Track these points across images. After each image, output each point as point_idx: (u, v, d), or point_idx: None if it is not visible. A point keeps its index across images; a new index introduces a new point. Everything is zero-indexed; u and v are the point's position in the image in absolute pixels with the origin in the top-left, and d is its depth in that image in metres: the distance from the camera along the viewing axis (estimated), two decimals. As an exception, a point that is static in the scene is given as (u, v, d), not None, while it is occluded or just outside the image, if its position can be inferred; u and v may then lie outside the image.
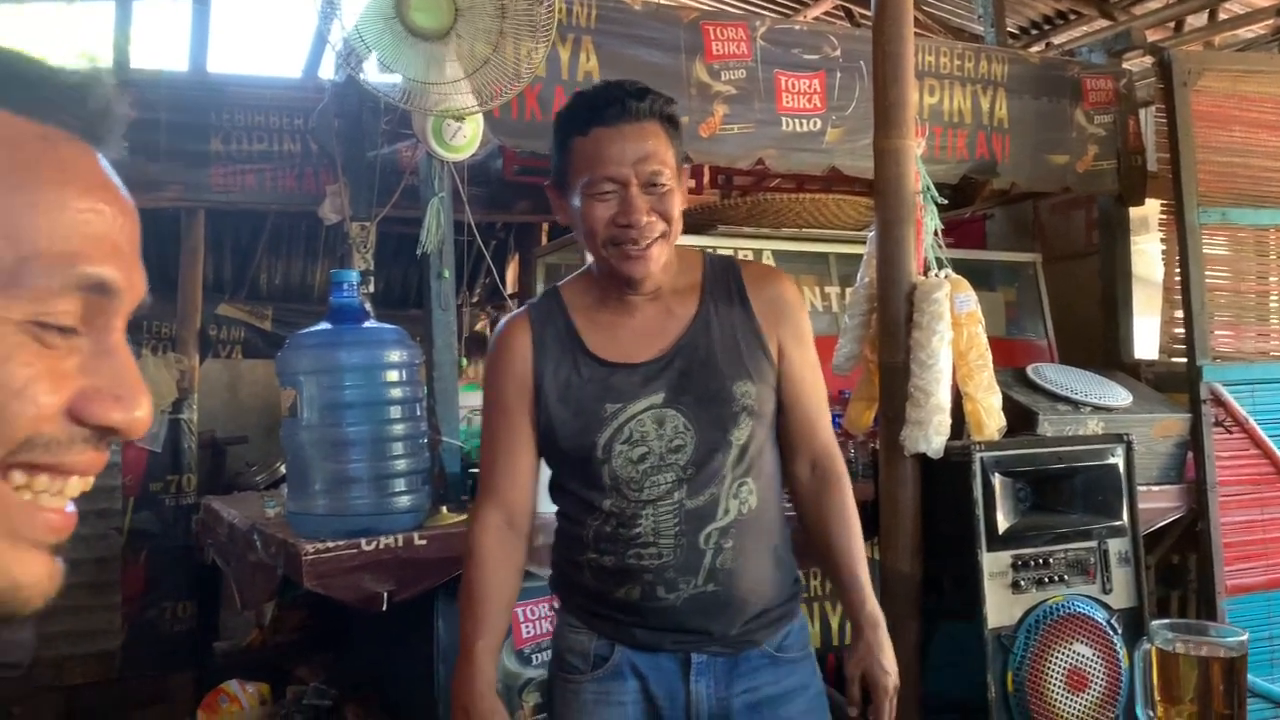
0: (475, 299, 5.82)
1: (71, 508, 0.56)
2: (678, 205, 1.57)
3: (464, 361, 4.55)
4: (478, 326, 6.40)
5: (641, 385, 1.58)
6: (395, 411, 2.48)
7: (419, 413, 2.60)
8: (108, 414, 0.54)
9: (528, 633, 2.69)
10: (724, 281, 1.66)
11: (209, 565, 3.21)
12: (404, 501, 2.46)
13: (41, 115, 0.53)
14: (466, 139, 2.77)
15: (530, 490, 1.68)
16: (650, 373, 1.59)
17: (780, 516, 1.69)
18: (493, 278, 5.13)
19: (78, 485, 0.56)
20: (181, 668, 3.81)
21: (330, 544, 2.30)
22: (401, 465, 2.47)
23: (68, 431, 0.53)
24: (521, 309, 1.70)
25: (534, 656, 2.73)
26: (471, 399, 3.57)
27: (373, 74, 2.70)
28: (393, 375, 2.48)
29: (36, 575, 0.54)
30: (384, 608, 2.32)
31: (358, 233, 3.58)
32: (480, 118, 2.78)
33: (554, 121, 1.62)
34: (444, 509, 2.62)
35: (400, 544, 2.37)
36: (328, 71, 3.76)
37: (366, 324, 2.53)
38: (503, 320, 1.73)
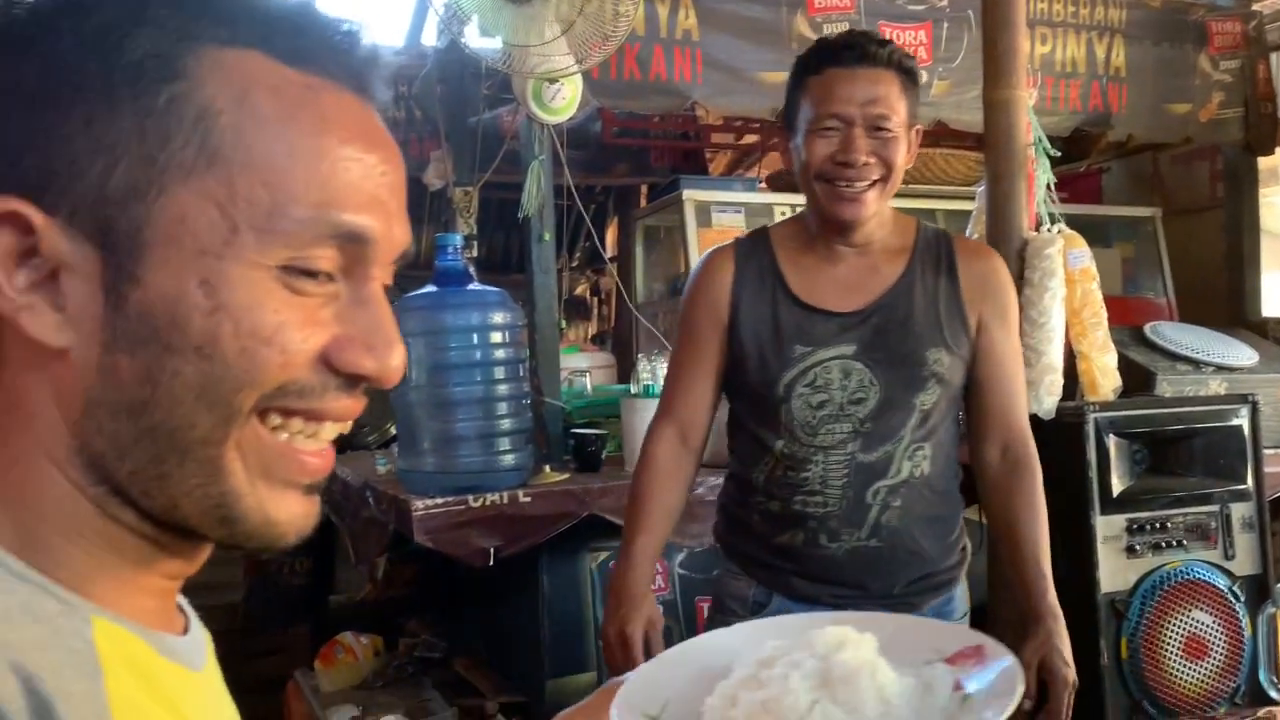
0: (575, 263, 5.86)
1: (329, 449, 0.58)
2: (900, 155, 1.59)
3: (564, 324, 4.60)
4: (577, 290, 6.45)
5: (835, 334, 1.61)
6: (499, 372, 2.52)
7: (522, 374, 2.64)
8: (360, 362, 0.54)
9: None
10: (935, 250, 1.68)
11: (325, 521, 3.32)
12: (509, 460, 2.51)
13: (306, 64, 0.53)
14: (565, 101, 2.78)
15: (706, 414, 1.72)
16: (846, 324, 1.61)
17: (953, 486, 1.70)
18: (592, 241, 5.15)
19: (333, 429, 0.57)
20: (299, 620, 3.97)
21: (439, 500, 2.36)
22: (506, 425, 2.52)
23: (321, 379, 0.54)
24: (729, 242, 1.74)
25: (637, 614, 2.76)
26: (571, 361, 3.62)
27: (474, 39, 2.72)
28: (496, 337, 2.52)
29: (290, 514, 0.56)
30: (490, 563, 2.37)
31: (461, 198, 3.64)
32: (579, 79, 2.78)
33: (793, 65, 1.67)
34: (547, 468, 2.66)
35: (506, 501, 2.42)
36: (430, 38, 3.80)
37: (470, 286, 2.56)
38: (708, 250, 1.77)
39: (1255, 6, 3.95)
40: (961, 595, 1.72)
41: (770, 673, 0.74)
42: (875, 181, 1.57)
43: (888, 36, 3.18)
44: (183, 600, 0.61)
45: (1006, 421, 1.71)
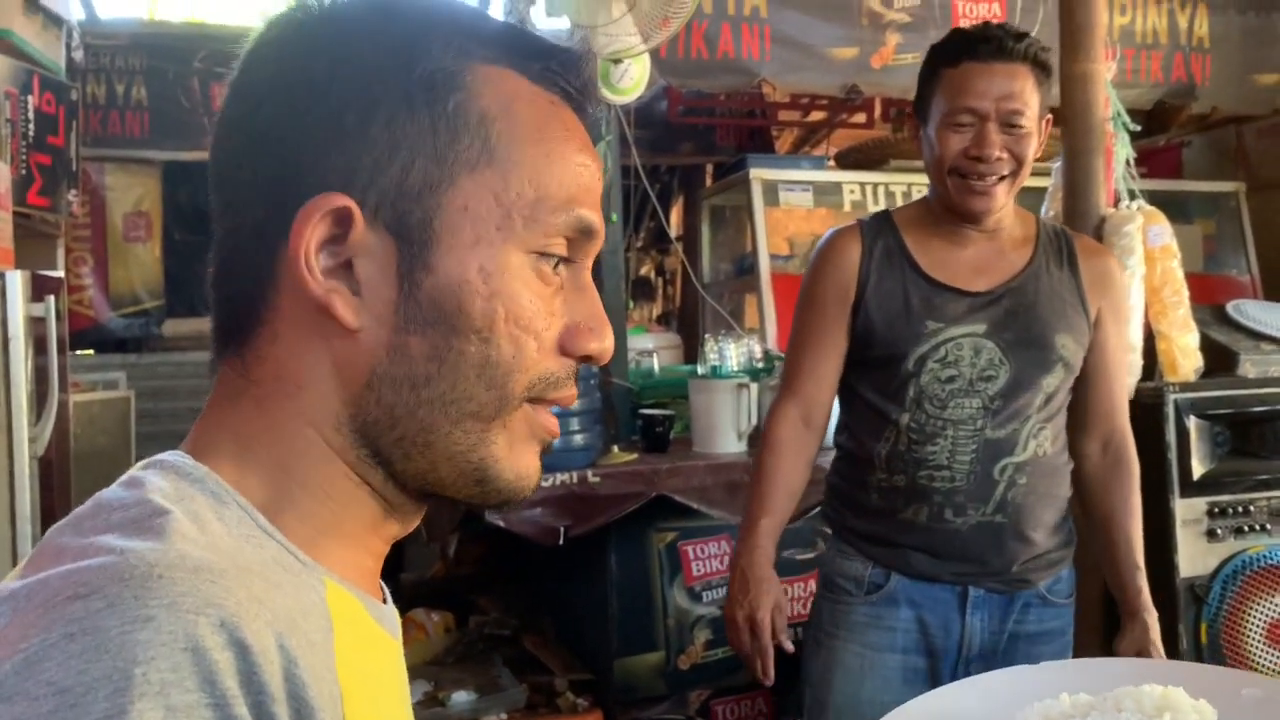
0: (640, 243, 5.86)
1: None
2: (1031, 151, 1.61)
3: (631, 305, 4.61)
4: (642, 270, 6.45)
5: (966, 312, 1.63)
6: (568, 353, 2.54)
7: (591, 354, 2.65)
8: (587, 344, 0.61)
9: (698, 570, 2.73)
10: (1056, 243, 1.71)
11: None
12: (578, 440, 2.53)
13: (549, 84, 0.61)
14: (634, 81, 2.77)
15: (830, 392, 1.73)
16: (977, 304, 1.63)
17: (1068, 468, 1.72)
18: (657, 221, 5.14)
19: None
20: (371, 595, 4.05)
21: (510, 480, 2.38)
22: (576, 405, 2.53)
23: (563, 366, 0.61)
24: (852, 223, 1.76)
25: (704, 594, 2.77)
26: (638, 341, 3.62)
27: (541, 19, 2.73)
28: (565, 317, 2.53)
29: (533, 468, 0.63)
30: (560, 542, 2.40)
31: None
32: (646, 59, 2.77)
33: (927, 53, 1.69)
34: (615, 448, 2.68)
35: (575, 481, 2.45)
36: (497, 11, 3.81)
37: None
38: (831, 230, 1.78)
39: (1347, -29, 3.79)
40: (1069, 575, 1.72)
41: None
42: (1005, 176, 1.59)
43: (960, 10, 3.15)
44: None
45: (1111, 417, 1.73)
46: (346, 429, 0.58)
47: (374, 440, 0.58)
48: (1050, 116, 1.68)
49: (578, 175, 0.61)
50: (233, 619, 0.46)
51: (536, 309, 0.59)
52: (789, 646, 1.63)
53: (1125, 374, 1.76)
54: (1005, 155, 1.57)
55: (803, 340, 1.72)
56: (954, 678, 1.65)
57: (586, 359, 0.62)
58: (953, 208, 1.64)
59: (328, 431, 0.58)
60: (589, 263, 0.63)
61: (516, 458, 0.61)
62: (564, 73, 0.62)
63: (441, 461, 0.59)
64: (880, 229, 1.70)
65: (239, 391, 0.59)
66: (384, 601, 0.64)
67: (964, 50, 1.59)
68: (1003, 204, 1.61)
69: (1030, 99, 1.58)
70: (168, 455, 0.57)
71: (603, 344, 0.62)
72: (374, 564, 0.63)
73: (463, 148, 0.57)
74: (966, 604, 1.64)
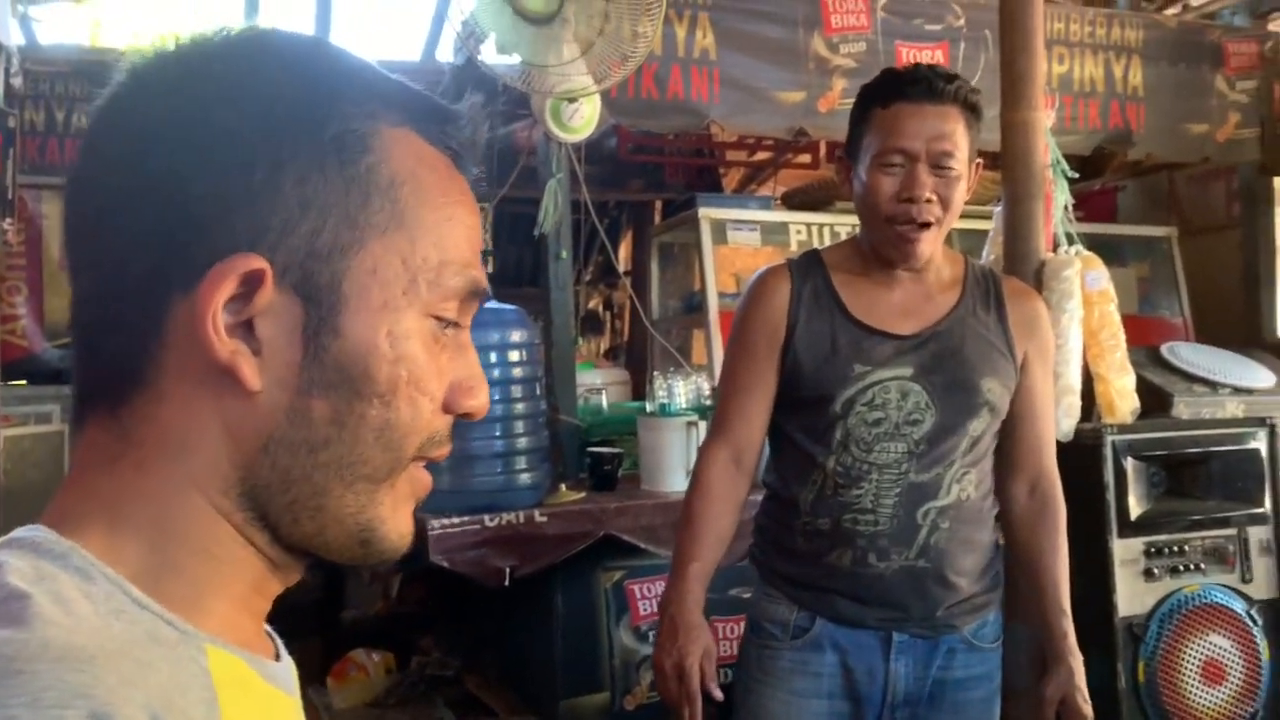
0: (588, 277, 5.87)
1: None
2: (960, 194, 1.61)
3: (579, 340, 4.60)
4: (591, 305, 6.45)
5: (893, 355, 1.62)
6: (516, 390, 2.53)
7: (538, 391, 2.64)
8: (465, 403, 0.62)
9: (645, 610, 2.71)
10: (984, 286, 1.71)
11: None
12: (525, 479, 2.51)
13: (444, 146, 0.62)
14: (584, 120, 2.79)
15: (760, 433, 1.72)
16: (904, 347, 1.63)
17: (993, 512, 1.72)
18: (606, 255, 5.16)
19: None
20: (310, 635, 3.97)
21: (455, 520, 2.36)
22: (522, 443, 2.52)
23: (447, 424, 0.61)
24: (780, 262, 1.75)
25: (650, 634, 2.75)
26: (586, 377, 3.62)
27: (491, 56, 2.73)
28: (514, 355, 2.53)
29: (410, 526, 0.63)
30: (506, 583, 2.37)
31: (476, 213, 3.64)
32: (597, 98, 2.79)
33: (858, 94, 1.69)
34: (563, 486, 2.66)
35: (522, 520, 2.42)
36: (446, 54, 3.81)
37: (488, 304, 2.56)
38: (761, 270, 1.78)
39: (1271, 27, 3.95)
40: (996, 620, 1.72)
41: None
42: (933, 223, 1.59)
43: (904, 56, 3.21)
44: (267, 626, 0.64)
45: (1038, 460, 1.73)
46: (235, 492, 0.56)
47: (263, 504, 0.57)
48: (980, 161, 1.68)
49: (471, 238, 0.62)
50: (104, 709, 0.44)
51: (431, 371, 0.59)
52: (717, 694, 1.60)
53: (1052, 416, 1.76)
54: (934, 198, 1.57)
55: (733, 381, 1.72)
56: None
57: (465, 416, 0.62)
58: (882, 253, 1.64)
59: (214, 495, 0.56)
60: (469, 320, 0.64)
61: (399, 518, 0.61)
62: (458, 135, 0.63)
63: (330, 524, 0.58)
64: (809, 270, 1.70)
65: (115, 455, 0.56)
66: (277, 657, 0.62)
67: (895, 91, 1.60)
68: (931, 250, 1.62)
69: (960, 141, 1.58)
70: (24, 532, 0.54)
71: (479, 401, 0.62)
72: (255, 623, 0.61)
73: (374, 211, 0.57)
74: (890, 649, 1.63)
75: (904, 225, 1.58)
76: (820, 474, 1.63)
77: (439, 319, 0.59)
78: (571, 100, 2.72)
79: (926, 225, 1.58)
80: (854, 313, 1.65)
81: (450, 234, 0.60)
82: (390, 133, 0.59)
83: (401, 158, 0.59)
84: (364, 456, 0.57)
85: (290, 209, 0.55)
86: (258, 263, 0.54)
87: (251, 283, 0.54)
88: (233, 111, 0.55)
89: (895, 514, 1.59)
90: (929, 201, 1.56)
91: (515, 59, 2.69)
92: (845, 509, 1.61)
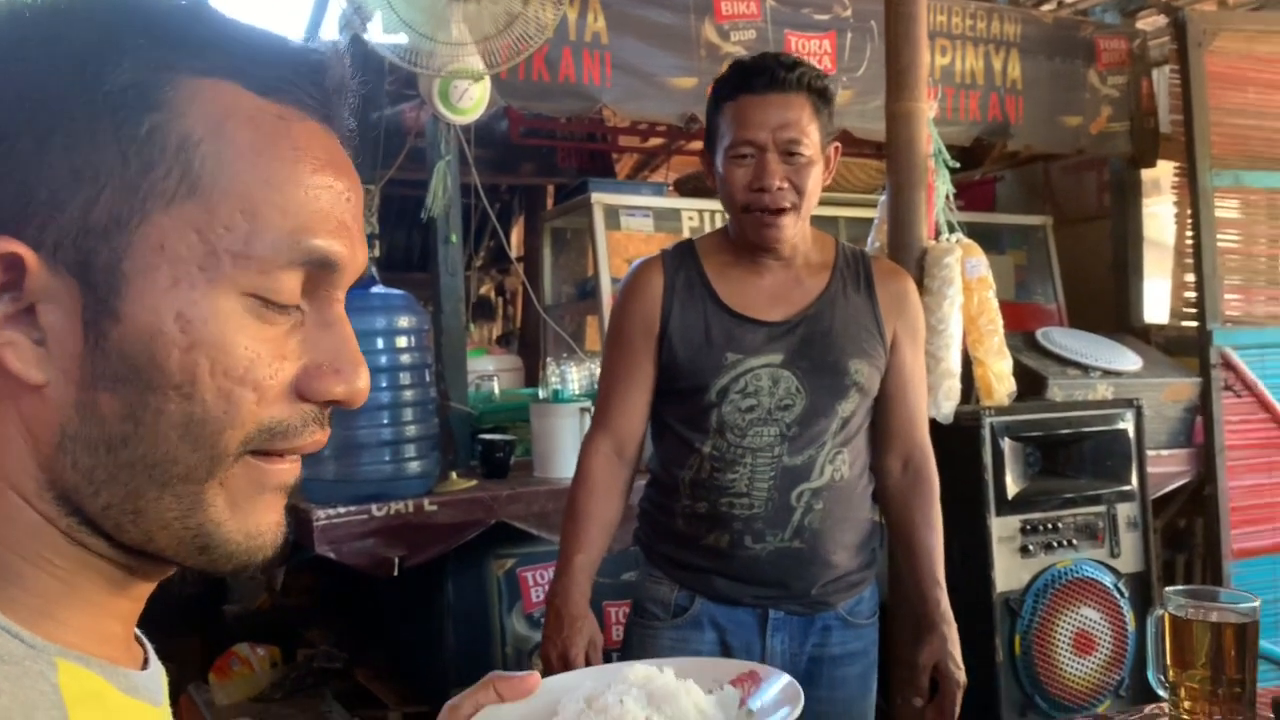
0: (479, 262, 5.80)
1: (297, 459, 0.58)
2: (813, 178, 1.63)
3: (470, 326, 4.55)
4: (482, 290, 6.38)
5: (764, 342, 1.65)
6: (404, 377, 2.48)
7: (428, 378, 2.60)
8: (331, 389, 0.55)
9: (538, 597, 2.70)
10: (854, 268, 1.74)
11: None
12: (414, 467, 2.47)
13: (278, 94, 0.54)
14: (473, 101, 2.74)
15: (641, 424, 1.74)
16: (774, 333, 1.66)
17: (867, 491, 1.76)
18: (497, 240, 5.10)
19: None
20: (191, 631, 3.84)
21: (341, 510, 2.31)
22: (411, 431, 2.48)
23: (298, 413, 0.54)
24: (655, 254, 1.76)
25: (543, 620, 2.74)
26: (478, 364, 3.58)
27: (377, 34, 2.66)
28: (402, 341, 2.48)
29: (268, 523, 0.56)
30: (395, 573, 2.33)
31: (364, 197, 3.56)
32: (487, 79, 2.75)
33: (710, 89, 1.71)
34: (453, 475, 2.63)
35: (411, 510, 2.39)
36: (330, 32, 3.71)
37: (375, 289, 2.52)
38: (636, 262, 1.79)
39: (1139, 25, 4.12)
40: (871, 595, 1.77)
41: (604, 701, 0.83)
42: (789, 207, 1.62)
43: (793, 45, 3.25)
44: (138, 631, 0.60)
45: (910, 435, 1.78)
46: (49, 495, 0.51)
47: (79, 507, 0.52)
48: (838, 145, 1.72)
49: (311, 200, 0.54)
50: None
51: (256, 355, 0.52)
52: None
53: (924, 392, 1.81)
54: (786, 185, 1.60)
55: (611, 374, 1.74)
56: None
57: (334, 403, 0.56)
58: (746, 240, 1.67)
59: (31, 498, 0.51)
60: (339, 294, 0.57)
61: (243, 518, 0.54)
62: (299, 81, 0.55)
63: (156, 531, 0.53)
64: (682, 260, 1.72)
65: None
66: (145, 663, 0.58)
67: (741, 84, 1.63)
68: (792, 234, 1.65)
69: (809, 127, 1.61)
70: None
71: (352, 386, 0.56)
72: (123, 627, 0.57)
73: (158, 177, 0.50)
74: (767, 626, 1.67)
75: (760, 213, 1.62)
76: (698, 459, 1.66)
77: (262, 298, 0.52)
78: (470, 79, 2.67)
79: (783, 211, 1.61)
80: (726, 301, 1.68)
81: (270, 198, 0.52)
82: (191, 84, 0.51)
83: (202, 113, 0.51)
84: (171, 455, 0.51)
85: (60, 180, 0.49)
86: (12, 246, 0.48)
87: (14, 269, 0.49)
88: None
89: (770, 497, 1.63)
90: (781, 189, 1.60)
91: (402, 38, 2.63)
92: (722, 493, 1.64)
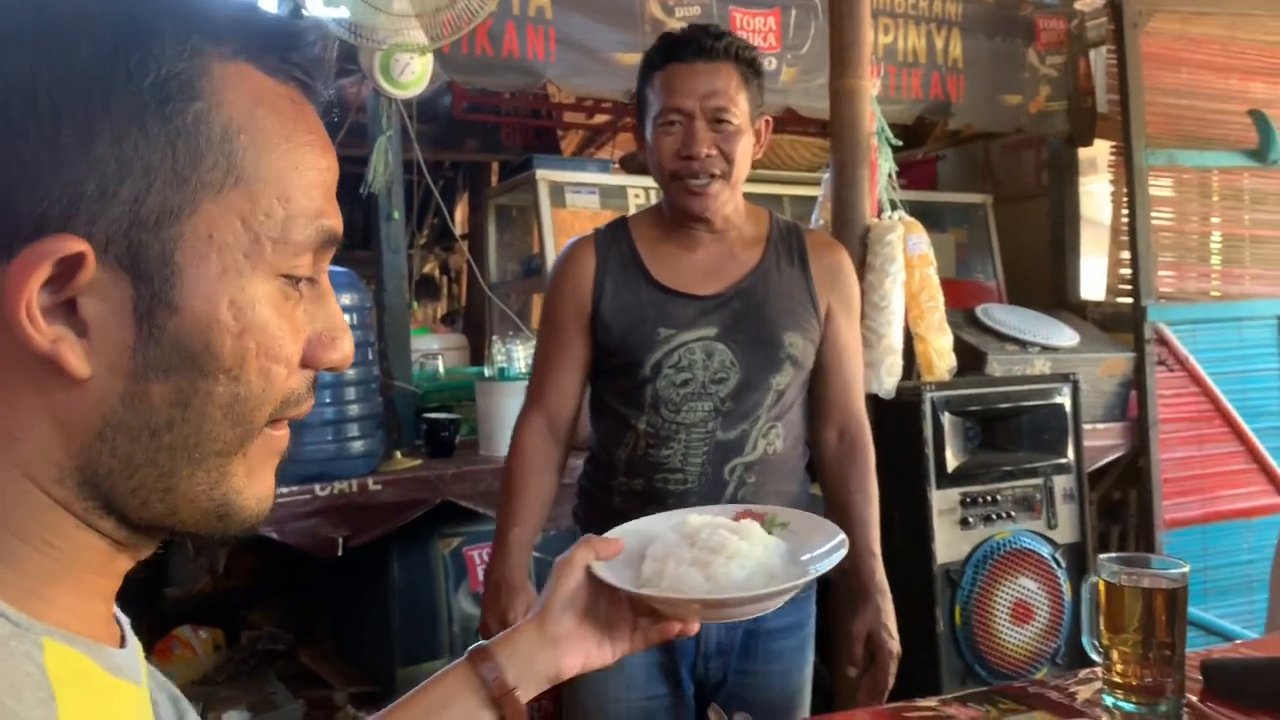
0: (423, 240, 5.74)
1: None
2: (742, 147, 1.64)
3: (414, 305, 4.50)
4: (426, 268, 6.32)
5: (697, 316, 1.65)
6: (347, 355, 2.45)
7: (370, 357, 2.57)
8: (329, 356, 0.58)
9: (484, 575, 2.69)
10: (788, 241, 1.74)
11: (158, 511, 3.16)
12: (358, 446, 2.44)
13: (284, 75, 0.55)
14: (415, 76, 2.71)
15: (574, 401, 1.74)
16: (707, 307, 1.66)
17: (802, 464, 1.77)
18: (442, 218, 5.05)
19: None
20: (131, 614, 3.78)
21: (284, 490, 2.28)
22: (354, 410, 2.45)
23: (305, 381, 0.58)
24: (589, 233, 1.76)
25: (490, 598, 2.74)
26: (422, 343, 3.55)
27: (317, 6, 2.62)
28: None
29: (270, 490, 0.60)
30: (339, 553, 2.31)
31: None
32: (429, 54, 2.71)
33: (641, 60, 1.70)
34: (398, 454, 2.61)
35: (355, 489, 2.37)
36: (270, 5, 3.63)
37: (316, 266, 2.48)
38: (569, 241, 1.78)
39: (1077, 5, 4.17)
40: None
41: (696, 529, 0.98)
42: (719, 175, 1.62)
43: (737, 22, 3.25)
44: (116, 608, 0.60)
45: (845, 406, 1.79)
46: (71, 481, 0.52)
47: (106, 491, 0.52)
48: (769, 118, 1.73)
49: (323, 182, 0.56)
50: None
51: (284, 333, 0.55)
52: None
53: (859, 364, 1.82)
54: (715, 153, 1.61)
55: (545, 352, 1.74)
56: (693, 672, 1.70)
57: (329, 369, 0.59)
58: (677, 210, 1.67)
59: (48, 484, 0.51)
60: (326, 265, 0.59)
61: (256, 484, 0.57)
62: (302, 61, 0.56)
63: (182, 505, 0.54)
64: (615, 237, 1.72)
65: None
66: (122, 643, 0.58)
67: (669, 53, 1.64)
68: (723, 203, 1.65)
69: (737, 96, 1.61)
70: None
71: (344, 352, 0.59)
72: (105, 606, 0.57)
73: (206, 168, 0.51)
74: None
75: (688, 180, 1.62)
76: (633, 436, 1.66)
77: (289, 277, 0.54)
78: (413, 52, 2.63)
79: (712, 178, 1.61)
80: (658, 277, 1.68)
81: (297, 182, 0.54)
82: (221, 70, 0.52)
83: (236, 100, 0.52)
84: (212, 434, 0.53)
85: (108, 173, 0.48)
86: (75, 245, 0.47)
87: (70, 264, 0.48)
88: (26, 59, 0.47)
89: (703, 472, 1.64)
90: (709, 156, 1.61)
91: (343, 11, 2.59)
92: (656, 469, 1.65)
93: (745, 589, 0.91)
